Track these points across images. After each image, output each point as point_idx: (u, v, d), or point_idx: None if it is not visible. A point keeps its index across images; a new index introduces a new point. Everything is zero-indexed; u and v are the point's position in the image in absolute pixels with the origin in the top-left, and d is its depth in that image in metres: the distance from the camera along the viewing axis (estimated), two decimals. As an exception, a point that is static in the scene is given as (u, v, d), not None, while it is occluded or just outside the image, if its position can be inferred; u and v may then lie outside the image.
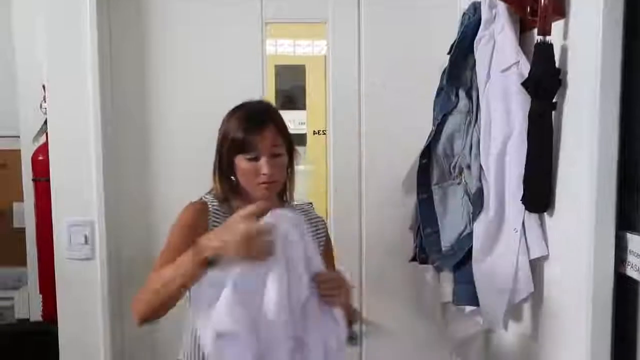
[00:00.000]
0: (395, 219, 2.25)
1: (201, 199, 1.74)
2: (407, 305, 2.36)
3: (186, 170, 2.30)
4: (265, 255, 1.45)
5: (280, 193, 1.78)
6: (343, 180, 2.41)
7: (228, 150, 1.69)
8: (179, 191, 2.30)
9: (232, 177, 1.71)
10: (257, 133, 1.66)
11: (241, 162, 1.67)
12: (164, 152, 2.34)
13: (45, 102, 2.50)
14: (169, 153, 2.35)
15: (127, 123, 2.31)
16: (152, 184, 2.34)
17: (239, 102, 2.37)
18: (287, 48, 4.01)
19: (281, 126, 1.71)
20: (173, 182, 2.34)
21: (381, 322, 2.41)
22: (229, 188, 1.72)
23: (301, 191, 4.06)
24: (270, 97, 2.52)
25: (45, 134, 2.59)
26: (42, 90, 2.53)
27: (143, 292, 1.53)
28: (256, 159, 1.66)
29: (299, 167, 4.36)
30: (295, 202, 1.83)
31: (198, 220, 1.66)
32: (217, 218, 1.68)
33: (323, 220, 1.86)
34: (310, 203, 1.90)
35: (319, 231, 1.81)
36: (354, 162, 2.39)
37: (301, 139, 4.07)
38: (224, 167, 1.71)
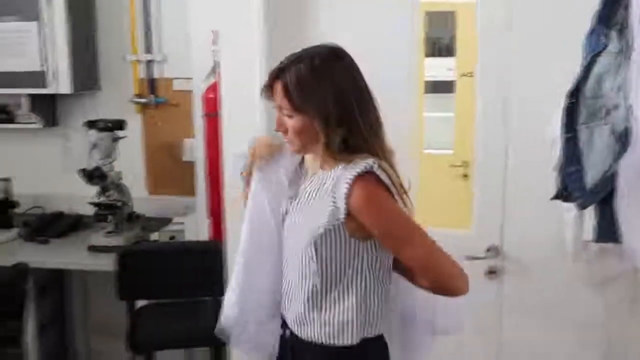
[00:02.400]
0: (539, 160, 2.30)
1: None
2: (549, 242, 2.41)
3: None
4: None
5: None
6: (488, 120, 2.48)
7: None
8: None
9: None
10: (271, 84, 1.70)
11: None
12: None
13: (214, 45, 2.77)
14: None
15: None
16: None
17: (385, 50, 2.51)
18: (437, -6, 4.04)
19: (291, 87, 1.63)
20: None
21: (522, 259, 2.49)
22: None
23: (446, 139, 4.15)
24: (419, 44, 2.61)
25: (214, 75, 2.88)
26: (212, 34, 2.80)
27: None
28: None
29: (446, 115, 4.39)
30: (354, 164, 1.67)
31: None
32: None
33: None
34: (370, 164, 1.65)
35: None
36: (498, 103, 2.44)
37: (449, 85, 4.12)
38: None
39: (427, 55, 3.90)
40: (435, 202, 3.23)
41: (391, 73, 2.53)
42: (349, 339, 1.72)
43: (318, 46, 1.72)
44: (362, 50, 2.47)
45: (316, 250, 1.67)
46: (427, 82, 3.87)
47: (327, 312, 1.72)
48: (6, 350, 3.01)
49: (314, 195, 1.72)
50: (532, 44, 2.38)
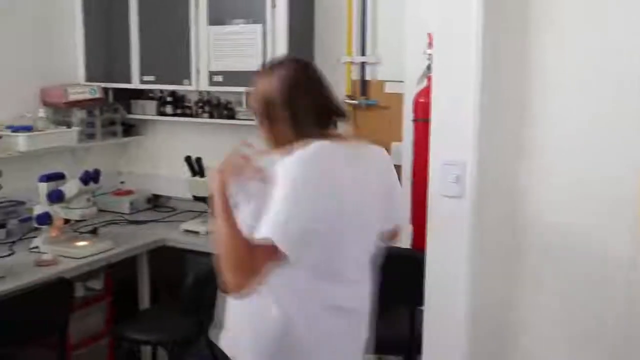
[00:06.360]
0: None
1: None
2: None
3: (565, 121, 2.29)
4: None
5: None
6: None
7: None
8: (555, 143, 2.32)
9: None
10: None
11: None
12: (543, 103, 2.34)
13: (429, 48, 2.70)
14: (549, 104, 2.33)
15: (507, 70, 2.35)
16: (527, 133, 2.36)
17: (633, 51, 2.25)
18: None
19: (253, 91, 1.90)
20: (549, 134, 2.34)
21: None
22: None
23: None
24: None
25: (427, 78, 2.81)
26: (427, 37, 2.73)
27: None
28: None
29: None
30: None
31: None
32: None
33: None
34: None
35: None
36: None
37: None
38: None
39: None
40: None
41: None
42: None
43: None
44: (602, 56, 2.26)
45: None
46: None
47: None
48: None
49: None
50: None
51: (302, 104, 1.84)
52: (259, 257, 1.67)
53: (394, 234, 2.09)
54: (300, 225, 1.67)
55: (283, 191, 1.69)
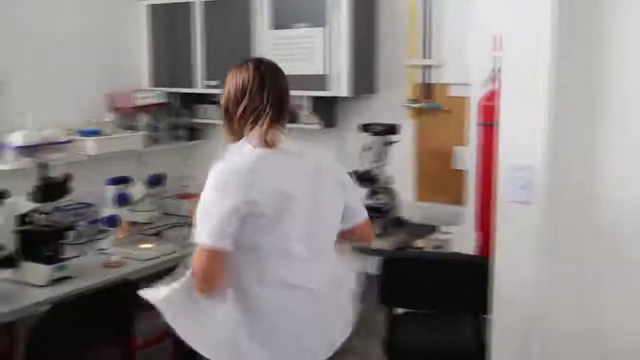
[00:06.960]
0: None
1: None
2: None
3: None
4: None
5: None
6: None
7: None
8: (625, 144, 2.24)
9: None
10: None
11: None
12: (615, 105, 2.26)
13: (495, 51, 2.64)
14: (621, 107, 2.25)
15: (578, 73, 2.28)
16: (598, 137, 2.29)
17: None
18: None
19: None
20: (620, 136, 2.25)
21: None
22: None
23: None
24: None
25: (492, 81, 2.74)
26: (492, 40, 2.67)
27: None
28: None
29: None
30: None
31: None
32: None
33: None
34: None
35: None
36: None
37: None
38: None
39: None
40: None
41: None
42: None
43: None
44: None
45: None
46: None
47: None
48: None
49: None
50: None
51: (251, 104, 1.92)
52: (213, 264, 1.83)
53: (353, 232, 2.10)
54: (226, 221, 1.80)
55: (209, 192, 1.83)
